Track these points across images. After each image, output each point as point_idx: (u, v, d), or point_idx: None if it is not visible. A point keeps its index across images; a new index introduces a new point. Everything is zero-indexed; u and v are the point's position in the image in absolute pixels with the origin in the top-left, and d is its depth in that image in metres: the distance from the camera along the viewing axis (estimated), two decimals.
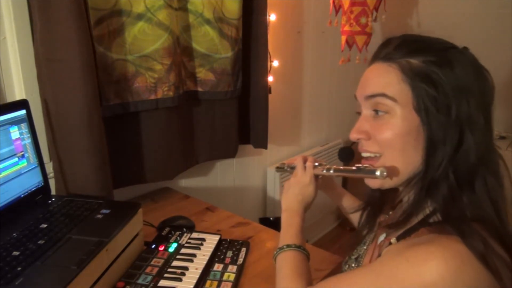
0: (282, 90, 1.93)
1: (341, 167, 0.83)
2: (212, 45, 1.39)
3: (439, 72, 0.61)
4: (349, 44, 1.86)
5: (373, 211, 0.81)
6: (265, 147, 1.68)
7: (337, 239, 2.51)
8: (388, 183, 0.67)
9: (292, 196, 0.87)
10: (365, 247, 0.81)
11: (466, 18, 2.17)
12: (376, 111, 0.66)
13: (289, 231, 0.83)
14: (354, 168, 0.72)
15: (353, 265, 0.81)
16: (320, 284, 0.67)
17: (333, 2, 1.81)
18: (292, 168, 0.93)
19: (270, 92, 1.68)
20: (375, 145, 0.67)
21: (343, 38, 1.84)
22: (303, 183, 0.87)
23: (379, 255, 0.64)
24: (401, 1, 2.33)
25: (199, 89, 1.44)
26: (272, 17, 1.72)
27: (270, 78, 1.70)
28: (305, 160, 0.91)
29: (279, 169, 1.01)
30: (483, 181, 0.61)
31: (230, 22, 1.39)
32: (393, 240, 0.65)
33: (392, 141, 0.64)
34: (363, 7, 1.78)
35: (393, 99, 0.63)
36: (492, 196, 0.61)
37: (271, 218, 1.95)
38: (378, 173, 0.65)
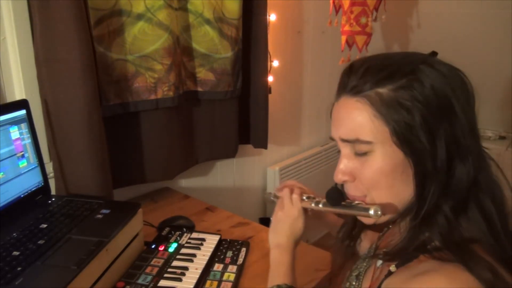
0: (282, 90, 1.93)
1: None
2: (212, 45, 1.39)
3: (411, 97, 0.56)
4: (349, 44, 1.86)
5: (354, 228, 0.79)
6: (265, 147, 1.68)
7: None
8: (382, 219, 0.64)
9: (281, 231, 0.82)
10: (364, 264, 0.78)
11: (466, 18, 2.17)
12: (357, 153, 0.62)
13: (279, 270, 0.78)
14: (345, 204, 0.68)
15: (354, 283, 0.78)
16: None
17: (333, 2, 1.81)
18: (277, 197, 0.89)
19: (270, 92, 1.68)
20: (361, 186, 0.63)
21: (343, 38, 1.84)
22: (292, 217, 0.82)
23: (380, 283, 0.62)
24: (401, 1, 2.33)
25: (199, 89, 1.44)
26: (272, 17, 1.72)
27: (270, 78, 1.70)
28: (291, 191, 0.86)
29: (269, 196, 0.99)
30: (476, 201, 0.58)
31: (230, 22, 1.39)
32: (392, 268, 0.62)
33: (377, 181, 0.61)
34: (363, 7, 1.78)
35: (368, 142, 0.59)
36: (488, 215, 0.58)
37: (271, 218, 1.95)
38: (371, 212, 0.61)
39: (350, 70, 0.63)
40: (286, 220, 0.83)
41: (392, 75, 0.58)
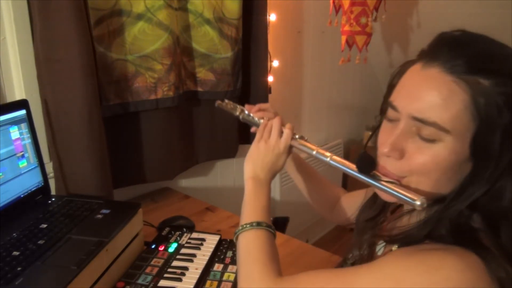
0: (282, 90, 1.93)
1: (344, 161, 0.70)
2: (212, 45, 1.39)
3: (508, 99, 0.51)
4: (349, 44, 1.86)
5: (374, 218, 0.74)
6: None
7: (337, 239, 2.51)
8: (407, 206, 0.61)
9: (261, 164, 0.77)
10: (360, 252, 0.75)
11: (466, 18, 2.17)
12: (420, 135, 0.55)
13: (257, 205, 0.73)
14: (374, 176, 0.61)
15: None
16: (312, 273, 0.60)
17: (333, 2, 1.81)
18: (252, 121, 0.86)
19: (270, 92, 1.68)
20: (404, 167, 0.57)
21: (343, 38, 1.84)
22: (277, 151, 0.77)
23: None
24: (401, 1, 2.33)
25: (199, 89, 1.44)
26: (272, 17, 1.72)
27: (270, 78, 1.70)
28: (282, 124, 0.81)
29: (224, 107, 0.94)
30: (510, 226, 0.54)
31: (230, 22, 1.39)
32: (394, 248, 0.62)
33: (430, 170, 0.55)
34: (363, 7, 1.78)
35: (445, 130, 0.52)
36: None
37: (271, 218, 1.95)
38: (418, 203, 0.55)
39: (458, 42, 0.55)
40: (269, 154, 0.78)
41: (501, 71, 0.52)
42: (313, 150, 0.76)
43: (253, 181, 0.77)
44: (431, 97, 0.53)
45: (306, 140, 0.80)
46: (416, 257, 0.53)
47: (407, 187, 0.58)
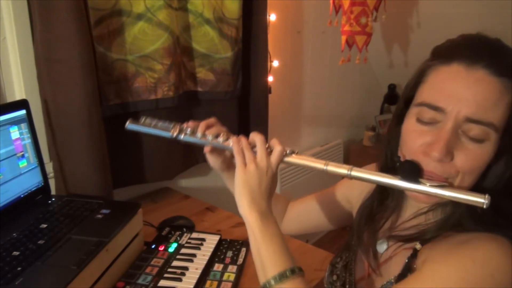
0: (282, 90, 1.93)
1: (371, 172, 0.63)
2: (212, 45, 1.39)
3: None
4: (349, 44, 1.86)
5: (372, 216, 0.74)
6: None
7: (337, 239, 2.51)
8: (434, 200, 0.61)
9: (259, 191, 0.65)
10: (351, 253, 0.76)
11: (466, 18, 2.17)
12: (468, 136, 0.56)
13: (277, 245, 0.63)
14: (425, 182, 0.58)
15: (344, 274, 0.76)
16: None
17: (333, 2, 1.81)
18: (200, 141, 0.71)
19: (270, 92, 1.68)
20: (452, 169, 0.58)
21: (343, 38, 1.84)
22: (271, 172, 0.66)
23: (408, 262, 0.62)
24: (401, 1, 2.33)
25: (199, 89, 1.44)
26: (272, 17, 1.72)
27: (270, 78, 1.70)
28: (262, 138, 0.70)
29: (143, 126, 0.73)
30: None
31: (230, 22, 1.39)
32: (417, 246, 0.62)
33: (476, 169, 0.58)
34: (363, 7, 1.78)
35: (497, 129, 0.56)
36: None
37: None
38: (486, 201, 0.55)
39: (492, 47, 0.58)
40: (264, 178, 0.65)
41: None
42: (322, 164, 0.64)
43: (258, 215, 0.64)
44: (485, 98, 0.55)
45: (298, 154, 0.69)
46: (464, 255, 0.55)
47: (454, 186, 0.58)
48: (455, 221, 0.61)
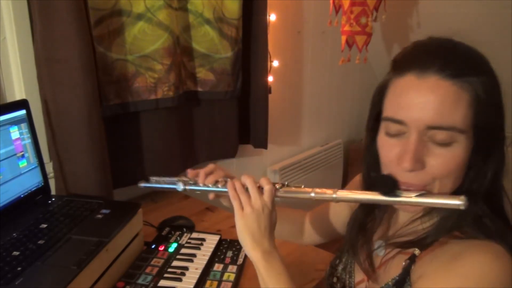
0: (282, 90, 1.93)
1: (353, 192, 0.65)
2: (212, 45, 1.39)
3: (497, 93, 0.58)
4: (349, 44, 1.86)
5: (363, 226, 0.75)
6: (265, 147, 1.68)
7: (337, 239, 2.51)
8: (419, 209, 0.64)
9: (259, 232, 0.68)
10: (356, 258, 0.76)
11: (466, 18, 2.17)
12: (435, 141, 0.57)
13: (283, 284, 0.65)
14: (401, 193, 0.59)
15: (343, 276, 0.77)
16: None
17: (333, 2, 1.80)
18: (204, 189, 0.76)
19: (270, 92, 1.68)
20: (427, 176, 0.58)
21: (343, 38, 1.84)
22: (267, 211, 0.69)
23: (408, 267, 0.62)
24: (401, 1, 2.33)
25: (199, 89, 1.44)
26: (272, 17, 1.71)
27: (270, 78, 1.70)
28: (251, 177, 0.72)
29: (158, 183, 0.82)
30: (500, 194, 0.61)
31: (230, 22, 1.39)
32: (417, 252, 0.63)
33: (451, 172, 0.58)
34: (363, 7, 1.77)
35: (461, 131, 0.56)
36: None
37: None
38: (461, 202, 0.56)
39: (441, 50, 0.59)
40: (262, 218, 0.68)
41: (485, 69, 0.58)
42: (309, 192, 0.68)
43: (261, 254, 0.67)
44: (441, 104, 0.55)
45: (287, 185, 0.71)
46: (457, 272, 0.56)
47: (433, 192, 0.60)
48: (453, 225, 0.61)
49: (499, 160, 0.60)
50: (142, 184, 0.87)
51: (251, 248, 0.68)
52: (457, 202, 0.56)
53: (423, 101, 0.56)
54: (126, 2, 1.15)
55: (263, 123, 1.64)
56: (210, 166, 0.79)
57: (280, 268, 0.67)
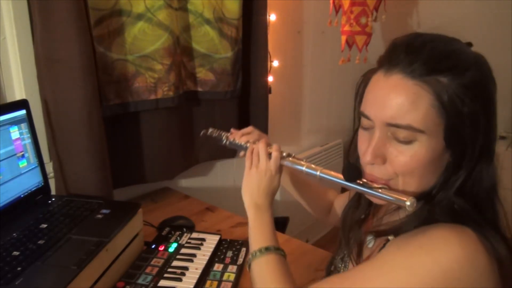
0: (282, 90, 1.93)
1: (332, 173, 0.72)
2: (212, 45, 1.39)
3: (470, 92, 0.55)
4: (349, 44, 1.86)
5: (358, 214, 0.76)
6: None
7: (337, 239, 2.51)
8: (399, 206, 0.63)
9: (257, 190, 0.79)
10: (349, 247, 0.77)
11: (466, 18, 2.17)
12: (397, 139, 0.58)
13: (262, 231, 0.76)
14: (364, 184, 0.63)
15: (339, 265, 0.79)
16: (319, 285, 0.63)
17: (333, 2, 1.81)
18: (238, 146, 0.88)
19: (270, 92, 1.68)
20: (390, 170, 0.60)
21: (343, 38, 1.84)
22: (269, 174, 0.79)
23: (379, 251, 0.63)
24: (401, 1, 2.33)
25: (199, 89, 1.44)
26: (272, 17, 1.72)
27: (270, 78, 1.70)
28: (266, 144, 0.83)
29: (210, 137, 0.97)
30: (492, 203, 0.60)
31: (230, 22, 1.39)
32: (390, 237, 0.64)
33: (413, 169, 0.58)
34: (363, 7, 1.78)
35: (419, 130, 0.56)
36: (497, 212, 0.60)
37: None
38: (408, 203, 0.58)
39: (409, 47, 0.58)
40: (263, 179, 0.79)
41: (455, 65, 0.56)
42: (303, 166, 0.77)
43: (254, 209, 0.78)
44: (400, 103, 0.56)
45: (294, 157, 0.81)
46: (415, 242, 0.56)
47: (395, 189, 0.61)
48: (429, 217, 0.61)
49: (476, 169, 0.59)
50: (203, 131, 1.01)
51: (248, 203, 0.79)
52: (404, 200, 0.58)
53: (384, 99, 0.58)
54: (126, 2, 1.15)
55: (263, 123, 1.64)
56: (249, 128, 0.93)
57: (266, 221, 0.77)
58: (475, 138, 0.57)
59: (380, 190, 0.62)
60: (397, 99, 0.56)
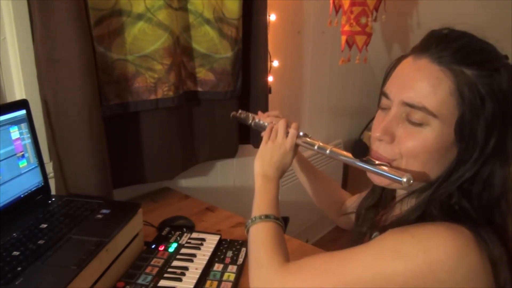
0: (282, 90, 1.93)
1: (341, 152, 0.75)
2: (212, 45, 1.39)
3: (491, 90, 0.56)
4: (349, 44, 1.86)
5: (375, 208, 0.78)
6: None
7: (337, 239, 2.51)
8: (397, 186, 0.64)
9: (269, 162, 0.83)
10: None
11: (466, 18, 2.17)
12: (410, 120, 0.60)
13: (265, 199, 0.78)
14: (367, 161, 0.65)
15: None
16: (311, 258, 0.64)
17: (333, 2, 1.81)
18: (262, 126, 0.93)
19: (270, 92, 1.68)
20: (395, 150, 0.62)
21: (343, 38, 1.84)
22: (283, 151, 0.83)
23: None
24: (401, 1, 2.33)
25: (199, 89, 1.44)
26: (272, 17, 1.72)
27: (270, 78, 1.70)
28: (287, 125, 0.86)
29: (238, 117, 1.03)
30: (500, 211, 0.60)
31: (230, 22, 1.39)
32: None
33: (418, 153, 0.60)
34: (363, 7, 1.77)
35: (433, 114, 0.57)
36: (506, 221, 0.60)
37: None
38: (404, 179, 0.59)
39: (445, 38, 0.60)
40: (277, 152, 0.83)
41: (484, 63, 0.57)
42: (315, 144, 0.80)
43: (262, 178, 0.82)
44: (421, 84, 0.58)
45: (310, 137, 0.84)
46: (409, 231, 0.57)
47: (397, 168, 0.62)
48: (428, 213, 0.61)
49: (480, 169, 0.59)
50: (232, 113, 1.08)
51: (257, 172, 0.83)
52: (400, 176, 0.59)
53: (406, 79, 0.60)
54: (126, 2, 1.15)
55: None
56: (275, 111, 0.99)
57: (270, 190, 0.80)
58: (487, 139, 0.57)
59: (379, 167, 0.64)
60: (418, 80, 0.58)
